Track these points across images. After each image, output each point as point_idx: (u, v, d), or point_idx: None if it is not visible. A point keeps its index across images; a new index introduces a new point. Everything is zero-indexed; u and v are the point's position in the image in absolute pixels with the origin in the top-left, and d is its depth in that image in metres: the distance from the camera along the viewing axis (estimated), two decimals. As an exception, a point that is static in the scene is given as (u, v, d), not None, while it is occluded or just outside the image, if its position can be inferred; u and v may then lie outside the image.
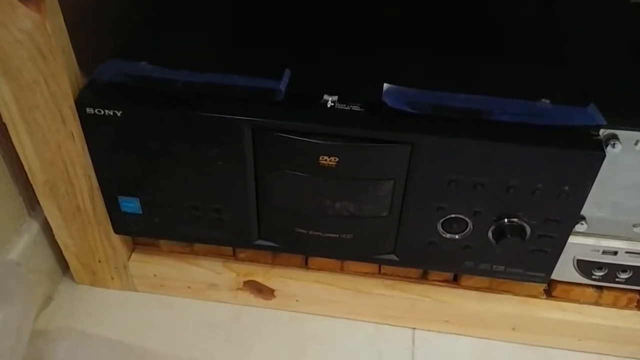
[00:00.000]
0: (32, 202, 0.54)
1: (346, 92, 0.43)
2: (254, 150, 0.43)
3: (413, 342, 0.56)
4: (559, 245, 0.46)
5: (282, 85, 0.42)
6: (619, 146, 0.41)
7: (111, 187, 0.48)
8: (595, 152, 0.40)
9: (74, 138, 0.44)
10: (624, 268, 0.49)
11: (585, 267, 0.50)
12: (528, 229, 0.45)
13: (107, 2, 0.55)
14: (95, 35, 0.47)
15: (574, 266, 0.50)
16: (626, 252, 0.48)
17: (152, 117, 0.42)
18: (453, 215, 0.45)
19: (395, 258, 0.50)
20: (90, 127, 0.43)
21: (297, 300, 0.57)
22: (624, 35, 0.53)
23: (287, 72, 0.44)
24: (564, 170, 0.41)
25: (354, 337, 0.56)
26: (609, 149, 0.41)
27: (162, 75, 0.43)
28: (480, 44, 0.50)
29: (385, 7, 0.55)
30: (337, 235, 0.48)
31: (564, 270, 0.50)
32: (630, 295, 0.52)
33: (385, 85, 0.42)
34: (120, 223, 0.51)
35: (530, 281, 0.50)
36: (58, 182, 0.48)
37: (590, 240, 0.48)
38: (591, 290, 0.53)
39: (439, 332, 0.57)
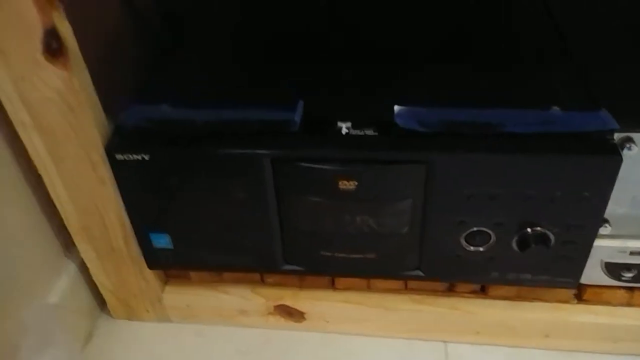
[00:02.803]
0: (67, 244, 0.56)
1: (359, 117, 0.44)
2: (275, 180, 0.45)
3: (446, 355, 0.56)
4: (585, 250, 0.47)
5: (297, 116, 0.44)
6: (635, 148, 0.42)
7: (142, 225, 0.50)
8: (611, 156, 0.40)
9: (105, 183, 0.47)
10: (653, 267, 0.49)
11: (613, 269, 0.50)
12: (552, 237, 0.45)
13: (123, 47, 0.57)
14: (114, 78, 0.50)
15: (602, 269, 0.50)
16: (654, 252, 0.48)
17: (177, 158, 0.44)
18: (475, 229, 0.46)
19: (421, 274, 0.51)
20: (121, 172, 0.45)
21: (327, 321, 0.58)
22: (630, 36, 0.53)
23: (300, 103, 0.45)
24: (582, 176, 0.41)
25: (386, 354, 0.57)
26: (625, 152, 0.41)
27: (182, 117, 0.45)
28: (486, 57, 0.51)
29: (387, 27, 0.57)
30: (362, 256, 0.49)
31: (593, 273, 0.50)
32: (663, 293, 0.52)
33: (396, 107, 0.44)
34: (153, 258, 0.53)
35: (559, 287, 0.50)
36: (92, 225, 0.50)
37: (616, 242, 0.48)
38: (622, 291, 0.52)
39: (471, 343, 0.57)
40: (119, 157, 0.44)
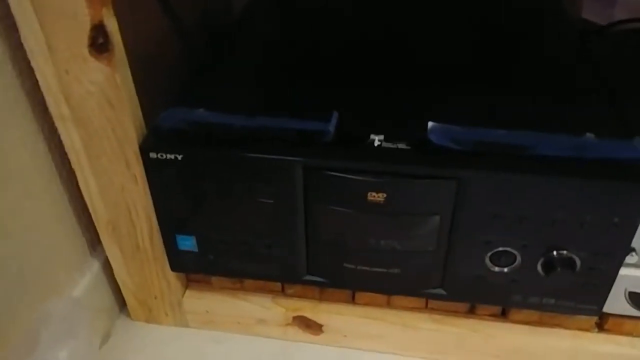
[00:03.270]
0: (93, 243, 0.57)
1: (392, 131, 0.45)
2: (305, 188, 0.45)
3: (463, 377, 0.56)
4: (610, 278, 0.46)
5: (331, 127, 0.45)
6: (666, 177, 0.42)
7: (170, 226, 0.50)
8: (642, 183, 0.40)
9: (136, 181, 0.48)
10: (678, 300, 0.49)
11: (637, 299, 0.49)
12: (578, 262, 0.45)
13: (165, 54, 0.59)
14: (155, 82, 0.51)
15: (626, 298, 0.49)
16: (680, 284, 0.48)
17: (210, 160, 0.45)
18: (501, 249, 0.46)
19: (443, 292, 0.50)
20: (153, 171, 0.46)
21: (345, 336, 0.58)
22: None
23: (335, 114, 0.46)
24: (612, 202, 0.41)
25: (402, 373, 0.56)
26: (656, 180, 0.41)
27: (218, 121, 0.46)
28: (524, 81, 0.52)
29: (426, 44, 0.58)
30: (385, 270, 0.49)
31: (616, 302, 0.50)
32: (687, 327, 0.51)
33: (430, 124, 0.44)
34: (177, 261, 0.53)
35: (582, 314, 0.50)
36: (120, 222, 0.51)
37: (641, 272, 0.48)
38: (645, 323, 0.52)
39: (489, 367, 0.56)
40: (153, 155, 0.45)
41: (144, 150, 0.45)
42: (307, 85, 0.52)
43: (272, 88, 0.52)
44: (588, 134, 0.43)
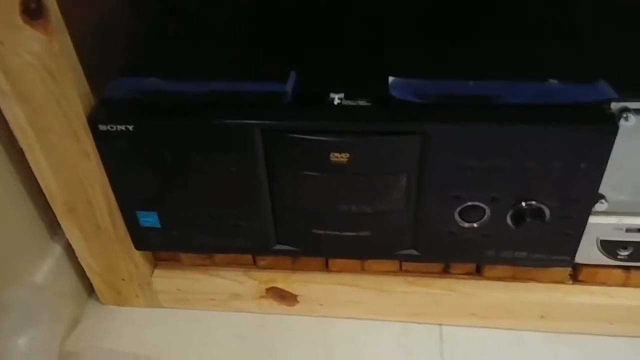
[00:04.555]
0: (54, 226, 0.55)
1: (352, 89, 0.43)
2: (265, 153, 0.44)
3: (441, 338, 0.56)
4: (580, 226, 0.46)
5: (289, 87, 0.43)
6: (632, 119, 0.41)
7: (129, 202, 0.48)
8: (607, 125, 0.40)
9: (89, 156, 0.45)
10: (650, 245, 0.49)
11: (609, 247, 0.49)
12: (547, 211, 0.44)
13: (113, 20, 0.56)
14: (103, 54, 0.49)
15: (598, 247, 0.49)
16: (650, 229, 0.47)
17: (163, 129, 0.43)
18: (470, 204, 0.45)
19: (416, 253, 0.50)
20: (105, 144, 0.44)
21: (320, 305, 0.57)
22: (633, 6, 0.53)
23: (293, 74, 0.44)
24: (577, 147, 0.41)
25: (380, 338, 0.56)
26: (621, 122, 0.41)
27: (172, 88, 0.44)
28: (483, 28, 0.51)
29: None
30: (355, 234, 0.48)
31: (589, 252, 0.49)
32: (659, 273, 0.51)
33: (391, 79, 0.43)
34: (141, 238, 0.51)
35: (555, 266, 0.49)
36: (77, 202, 0.49)
37: (612, 219, 0.47)
38: (618, 271, 0.52)
39: (466, 326, 0.56)
40: (102, 127, 0.42)
41: (92, 122, 0.43)
42: (262, 47, 0.50)
43: (226, 52, 0.50)
44: (551, 80, 0.42)
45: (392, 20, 0.53)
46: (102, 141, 0.44)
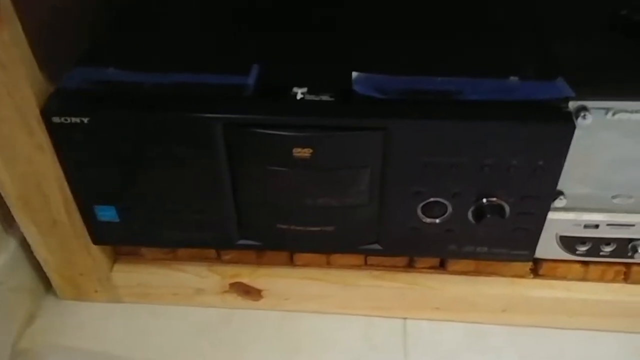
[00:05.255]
0: (8, 220, 0.53)
1: (316, 83, 0.43)
2: (227, 147, 0.43)
3: (404, 331, 0.56)
4: (539, 222, 0.46)
5: (251, 80, 0.42)
6: (589, 117, 0.42)
7: (86, 196, 0.47)
8: (565, 124, 0.40)
9: (43, 149, 0.44)
10: (607, 241, 0.50)
11: (568, 242, 0.50)
12: (507, 207, 0.45)
13: (70, 10, 0.54)
14: (61, 44, 0.47)
15: (557, 242, 0.50)
16: (607, 225, 0.48)
17: (120, 121, 0.42)
18: (432, 199, 0.45)
19: (379, 247, 0.50)
20: (59, 137, 0.43)
21: (285, 299, 0.57)
22: (593, 4, 0.53)
23: (255, 67, 0.43)
24: (536, 144, 0.41)
25: (345, 332, 0.56)
26: (579, 121, 0.41)
27: (130, 79, 0.42)
28: (447, 25, 0.50)
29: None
30: (319, 228, 0.48)
31: (548, 247, 0.50)
32: (617, 268, 0.53)
33: (354, 74, 0.43)
34: (99, 233, 0.50)
35: (515, 260, 0.50)
36: (31, 196, 0.47)
37: (570, 215, 0.48)
38: (577, 266, 0.53)
39: (430, 319, 0.56)
40: (56, 120, 0.41)
41: (45, 114, 0.41)
42: (224, 38, 0.49)
43: (189, 43, 0.49)
44: (512, 77, 0.42)
45: (358, 15, 0.52)
46: (56, 134, 0.42)
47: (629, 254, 0.50)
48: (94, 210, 0.48)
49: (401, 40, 0.48)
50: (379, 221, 0.47)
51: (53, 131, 0.42)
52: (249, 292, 0.56)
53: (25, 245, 0.53)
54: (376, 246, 0.50)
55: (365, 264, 0.56)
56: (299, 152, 0.42)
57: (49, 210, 0.48)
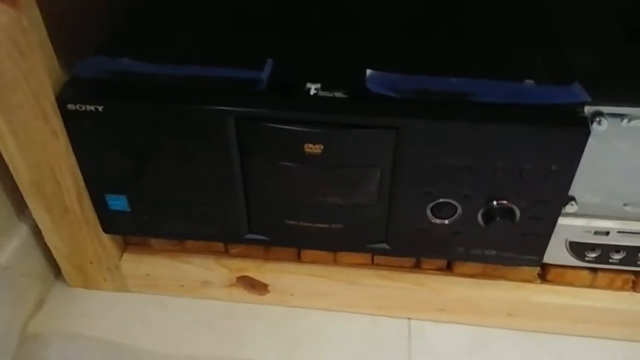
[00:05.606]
0: (21, 206, 0.53)
1: (329, 80, 0.43)
2: (239, 141, 0.43)
3: (409, 332, 0.56)
4: (550, 227, 0.46)
5: (264, 75, 0.42)
6: (604, 123, 0.41)
7: (98, 185, 0.47)
8: (580, 129, 0.40)
9: (57, 136, 0.44)
10: (617, 248, 0.49)
11: (577, 249, 0.50)
12: (517, 211, 0.45)
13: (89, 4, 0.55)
14: (78, 32, 0.47)
15: (566, 248, 0.50)
16: (618, 232, 0.48)
17: (134, 111, 0.42)
18: (442, 200, 0.45)
19: (387, 247, 0.50)
20: (73, 124, 0.43)
21: (291, 295, 0.57)
22: (611, 12, 0.53)
23: (270, 62, 0.43)
24: (549, 149, 0.41)
25: (349, 330, 0.56)
26: (594, 126, 0.41)
27: (144, 70, 0.43)
28: (464, 27, 0.50)
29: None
30: (327, 226, 0.48)
31: (557, 253, 0.50)
32: (625, 276, 0.52)
33: (368, 71, 0.42)
34: (109, 222, 0.50)
35: (523, 265, 0.50)
36: (44, 182, 0.48)
37: (581, 222, 0.48)
38: (585, 272, 0.52)
39: (434, 321, 0.56)
40: (71, 107, 0.41)
41: (61, 101, 0.42)
42: (241, 33, 0.49)
43: (202, 36, 0.49)
44: (527, 80, 0.42)
45: (374, 13, 0.52)
46: (70, 121, 0.43)
47: (639, 263, 0.50)
48: (105, 200, 0.48)
49: (416, 41, 0.48)
50: (387, 220, 0.47)
51: (68, 118, 0.43)
52: (255, 287, 0.57)
53: (36, 231, 0.54)
54: (384, 245, 0.50)
55: (372, 263, 0.55)
56: (310, 148, 0.42)
57: (61, 197, 0.49)
